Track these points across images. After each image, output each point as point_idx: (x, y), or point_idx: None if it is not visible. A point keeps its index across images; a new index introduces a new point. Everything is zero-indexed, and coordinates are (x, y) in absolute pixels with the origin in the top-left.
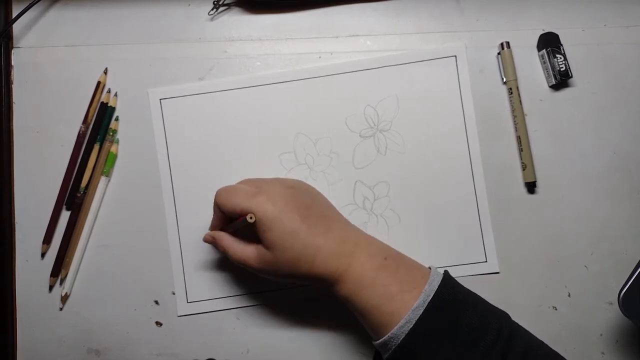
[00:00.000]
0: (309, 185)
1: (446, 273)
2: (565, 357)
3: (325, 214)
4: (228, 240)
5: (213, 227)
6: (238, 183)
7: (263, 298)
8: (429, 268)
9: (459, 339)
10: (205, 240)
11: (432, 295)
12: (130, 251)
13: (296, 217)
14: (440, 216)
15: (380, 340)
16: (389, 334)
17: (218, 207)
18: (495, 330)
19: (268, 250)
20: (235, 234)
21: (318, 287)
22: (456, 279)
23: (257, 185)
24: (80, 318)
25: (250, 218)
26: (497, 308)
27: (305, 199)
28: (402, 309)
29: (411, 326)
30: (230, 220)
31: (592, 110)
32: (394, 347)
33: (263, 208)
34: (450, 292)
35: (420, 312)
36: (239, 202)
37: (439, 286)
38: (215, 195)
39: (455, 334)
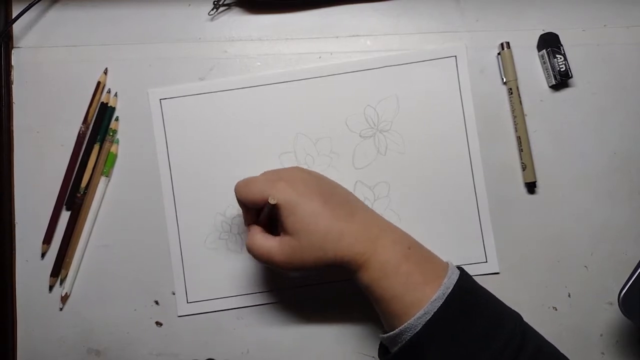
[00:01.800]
0: (328, 177)
1: (463, 269)
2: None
3: (348, 199)
4: (255, 234)
5: (247, 222)
6: (259, 175)
7: (263, 298)
8: (448, 262)
9: (474, 335)
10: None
11: (451, 289)
12: (130, 251)
13: (318, 200)
14: (441, 216)
15: (393, 332)
16: (405, 324)
17: (239, 200)
18: (510, 329)
19: (292, 237)
20: (265, 228)
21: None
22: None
23: (276, 173)
24: (80, 318)
25: (272, 200)
26: (510, 308)
27: (326, 184)
28: (421, 300)
29: (429, 317)
30: (258, 212)
31: (592, 111)
32: (407, 339)
33: (284, 193)
34: (468, 287)
35: (439, 304)
36: (257, 190)
37: (458, 280)
38: (235, 190)
39: (471, 329)
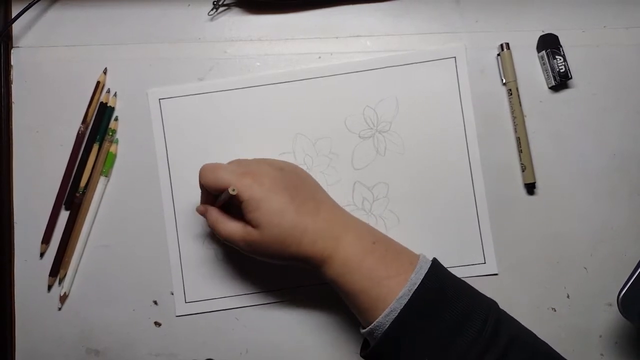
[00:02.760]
0: (299, 167)
1: (435, 261)
2: (558, 352)
3: (314, 196)
4: (216, 215)
5: (202, 202)
6: (227, 163)
7: (262, 298)
8: (419, 255)
9: (443, 329)
10: (198, 210)
11: (417, 284)
12: (129, 251)
13: (284, 196)
14: (439, 217)
15: (366, 329)
16: (374, 322)
17: (201, 183)
18: (481, 321)
19: (255, 229)
20: (224, 211)
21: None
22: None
23: (244, 165)
24: (79, 318)
25: (233, 191)
26: (485, 296)
27: (294, 180)
28: (387, 295)
29: (395, 315)
30: (216, 197)
31: (591, 112)
32: (379, 336)
33: (250, 189)
34: (436, 281)
35: (405, 301)
36: (223, 180)
37: (425, 275)
38: (199, 172)
39: (440, 323)
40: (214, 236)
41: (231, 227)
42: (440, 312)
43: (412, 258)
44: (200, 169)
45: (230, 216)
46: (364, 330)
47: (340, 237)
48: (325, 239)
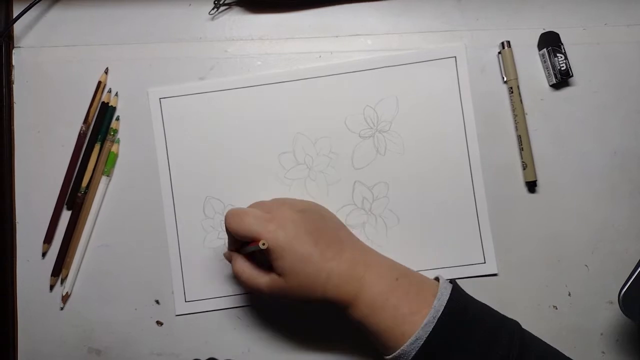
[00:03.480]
0: (320, 206)
1: (454, 285)
2: (560, 350)
3: (337, 235)
4: (242, 266)
5: (230, 247)
6: (249, 207)
7: (262, 298)
8: (437, 279)
9: (470, 353)
10: (225, 256)
11: (441, 311)
12: (131, 251)
13: (307, 241)
14: (439, 217)
15: (391, 356)
16: (399, 349)
17: (228, 230)
18: (506, 342)
19: (280, 277)
20: (248, 256)
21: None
22: (455, 280)
23: (267, 209)
24: (81, 318)
25: (263, 245)
26: (507, 317)
27: (317, 221)
28: (412, 329)
29: (421, 343)
30: (244, 242)
31: (592, 110)
32: None
33: (274, 236)
34: (458, 305)
35: (430, 328)
36: (248, 228)
37: (448, 301)
38: (225, 219)
39: (466, 348)
40: (213, 235)
41: (257, 279)
42: (466, 336)
43: (434, 288)
44: (226, 215)
45: (255, 264)
46: (388, 357)
47: (363, 278)
48: (349, 281)
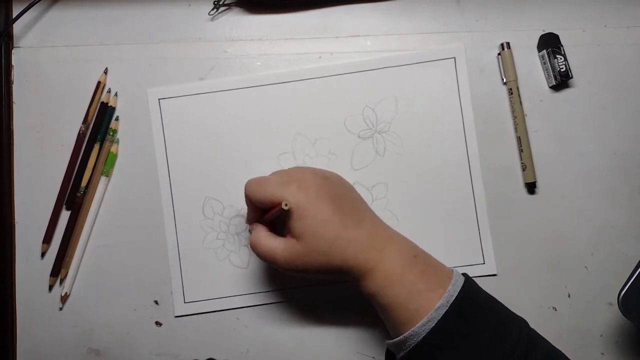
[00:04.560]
0: (343, 178)
1: (467, 275)
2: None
3: (358, 207)
4: (259, 233)
5: (250, 220)
6: (270, 175)
7: (262, 298)
8: (452, 269)
9: (479, 341)
10: (249, 225)
11: (455, 296)
12: (130, 251)
13: (328, 206)
14: (439, 217)
15: (398, 339)
16: (409, 331)
17: (249, 199)
18: (516, 335)
19: (298, 240)
20: (269, 227)
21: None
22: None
23: (288, 174)
24: (80, 318)
25: (285, 205)
26: (515, 314)
27: (339, 189)
28: (426, 307)
29: (433, 325)
30: (264, 212)
31: (592, 111)
32: (412, 345)
33: (295, 197)
34: (472, 294)
35: (443, 311)
36: (269, 191)
37: (462, 287)
38: (245, 187)
39: (476, 336)
40: (212, 236)
41: (273, 243)
42: (476, 325)
43: (449, 272)
44: (246, 185)
45: (273, 233)
46: (393, 341)
47: (383, 249)
48: (368, 251)
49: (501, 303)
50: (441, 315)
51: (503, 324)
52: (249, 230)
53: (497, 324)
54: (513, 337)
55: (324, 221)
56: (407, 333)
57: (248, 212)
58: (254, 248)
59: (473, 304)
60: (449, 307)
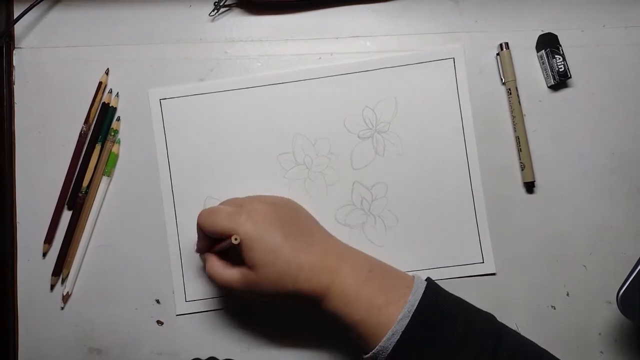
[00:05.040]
0: (292, 201)
1: (429, 281)
2: (559, 357)
3: (309, 229)
4: (214, 262)
5: (199, 248)
6: (220, 204)
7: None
8: (413, 276)
9: (446, 347)
10: (202, 257)
11: (416, 305)
12: (131, 251)
13: (278, 234)
14: (438, 217)
15: (369, 355)
16: (377, 346)
17: (201, 229)
18: (481, 337)
19: (251, 270)
20: (221, 255)
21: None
22: (453, 280)
23: (238, 204)
24: (81, 317)
25: (235, 239)
26: (482, 311)
27: (288, 214)
28: (388, 320)
29: (398, 337)
30: (215, 241)
31: (591, 111)
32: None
33: (244, 228)
34: (433, 300)
35: (406, 322)
36: (220, 223)
37: (422, 295)
38: (198, 218)
39: (440, 342)
40: None
41: (228, 274)
42: (441, 331)
43: (408, 281)
44: (199, 216)
45: (227, 262)
46: (366, 356)
47: (336, 269)
48: (321, 273)
49: (466, 302)
50: (404, 326)
51: (467, 327)
52: (202, 260)
53: (460, 328)
54: (478, 340)
55: (274, 250)
56: (375, 349)
57: (199, 241)
58: (212, 278)
59: (435, 311)
60: (410, 318)
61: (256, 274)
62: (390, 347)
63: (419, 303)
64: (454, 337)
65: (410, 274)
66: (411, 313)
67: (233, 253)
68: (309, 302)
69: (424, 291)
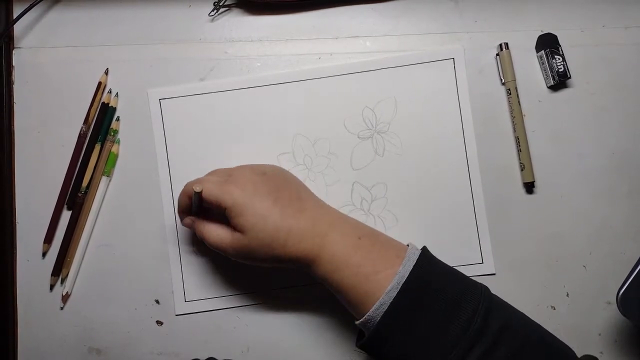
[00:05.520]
0: (282, 169)
1: (424, 250)
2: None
3: (299, 196)
4: (204, 224)
5: (182, 213)
6: (207, 174)
7: (261, 297)
8: (408, 245)
9: (434, 319)
10: (184, 224)
11: (406, 277)
12: (131, 251)
13: (267, 200)
14: (437, 217)
15: (360, 321)
16: (365, 315)
17: (187, 198)
18: (471, 310)
19: (242, 234)
20: (211, 220)
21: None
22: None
23: (226, 173)
24: (81, 317)
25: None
26: (476, 283)
27: (277, 182)
28: (377, 289)
29: (385, 308)
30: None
31: (590, 111)
32: (371, 329)
33: (232, 196)
34: (425, 272)
35: (394, 294)
36: (208, 191)
37: (414, 266)
38: (183, 189)
39: (430, 314)
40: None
41: (219, 234)
42: (430, 303)
43: (400, 250)
44: (184, 187)
45: (219, 224)
46: (357, 322)
47: (325, 235)
48: (310, 238)
49: (461, 274)
50: (392, 298)
51: (458, 299)
52: (185, 224)
53: (451, 300)
54: (468, 312)
55: (263, 215)
56: (363, 318)
57: (179, 209)
58: (204, 237)
59: (425, 282)
60: (399, 290)
61: (247, 238)
62: (378, 317)
63: (409, 275)
64: (442, 310)
65: (406, 242)
66: (400, 285)
67: (224, 222)
68: (299, 266)
69: (415, 263)
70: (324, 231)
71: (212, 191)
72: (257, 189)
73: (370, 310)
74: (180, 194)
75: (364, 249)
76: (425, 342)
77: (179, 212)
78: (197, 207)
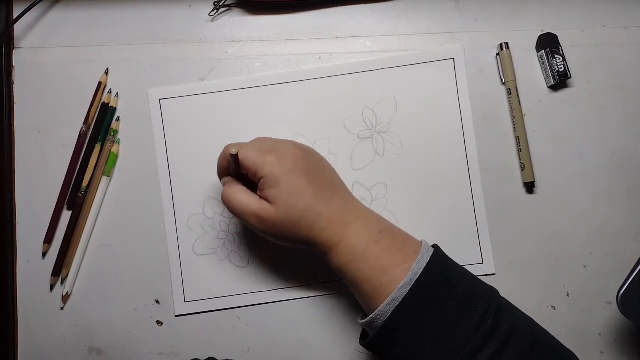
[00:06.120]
0: (320, 155)
1: (436, 249)
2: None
3: (332, 184)
4: (233, 186)
5: (222, 175)
6: (251, 141)
7: (262, 297)
8: (421, 242)
9: (444, 319)
10: (222, 182)
11: (419, 274)
12: (131, 251)
13: (303, 179)
14: (437, 217)
15: (367, 319)
16: (376, 311)
17: (225, 160)
18: (481, 311)
19: (272, 205)
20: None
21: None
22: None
23: (268, 143)
24: (81, 317)
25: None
26: (486, 285)
27: (315, 164)
28: (390, 284)
29: (397, 304)
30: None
31: (590, 111)
32: (379, 325)
33: (271, 166)
34: (438, 270)
35: (407, 290)
36: (248, 157)
37: (427, 263)
38: (224, 150)
39: (441, 313)
40: (213, 235)
41: (246, 199)
42: (442, 302)
43: (416, 247)
44: (225, 148)
45: (247, 190)
46: (362, 321)
47: (349, 225)
48: (335, 226)
49: (471, 275)
50: (404, 294)
51: (469, 300)
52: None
53: (462, 300)
54: (479, 314)
55: (297, 192)
56: (373, 314)
57: (220, 169)
58: (227, 202)
59: (438, 280)
60: (412, 286)
61: (275, 211)
62: (389, 313)
63: (422, 272)
64: (454, 309)
65: (419, 239)
66: (413, 281)
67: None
68: (317, 251)
69: (429, 260)
70: (348, 221)
71: (251, 157)
72: (296, 164)
73: (382, 305)
74: (220, 156)
75: (384, 243)
76: (434, 340)
77: (218, 174)
78: (234, 171)
